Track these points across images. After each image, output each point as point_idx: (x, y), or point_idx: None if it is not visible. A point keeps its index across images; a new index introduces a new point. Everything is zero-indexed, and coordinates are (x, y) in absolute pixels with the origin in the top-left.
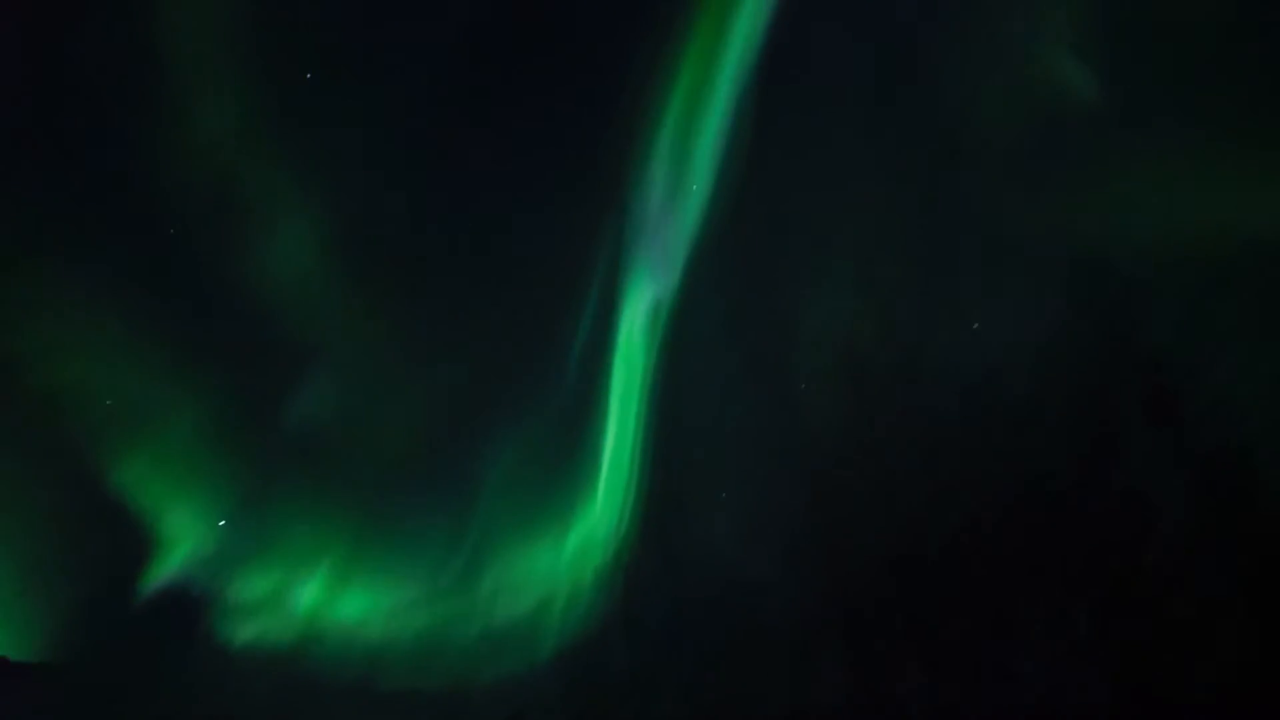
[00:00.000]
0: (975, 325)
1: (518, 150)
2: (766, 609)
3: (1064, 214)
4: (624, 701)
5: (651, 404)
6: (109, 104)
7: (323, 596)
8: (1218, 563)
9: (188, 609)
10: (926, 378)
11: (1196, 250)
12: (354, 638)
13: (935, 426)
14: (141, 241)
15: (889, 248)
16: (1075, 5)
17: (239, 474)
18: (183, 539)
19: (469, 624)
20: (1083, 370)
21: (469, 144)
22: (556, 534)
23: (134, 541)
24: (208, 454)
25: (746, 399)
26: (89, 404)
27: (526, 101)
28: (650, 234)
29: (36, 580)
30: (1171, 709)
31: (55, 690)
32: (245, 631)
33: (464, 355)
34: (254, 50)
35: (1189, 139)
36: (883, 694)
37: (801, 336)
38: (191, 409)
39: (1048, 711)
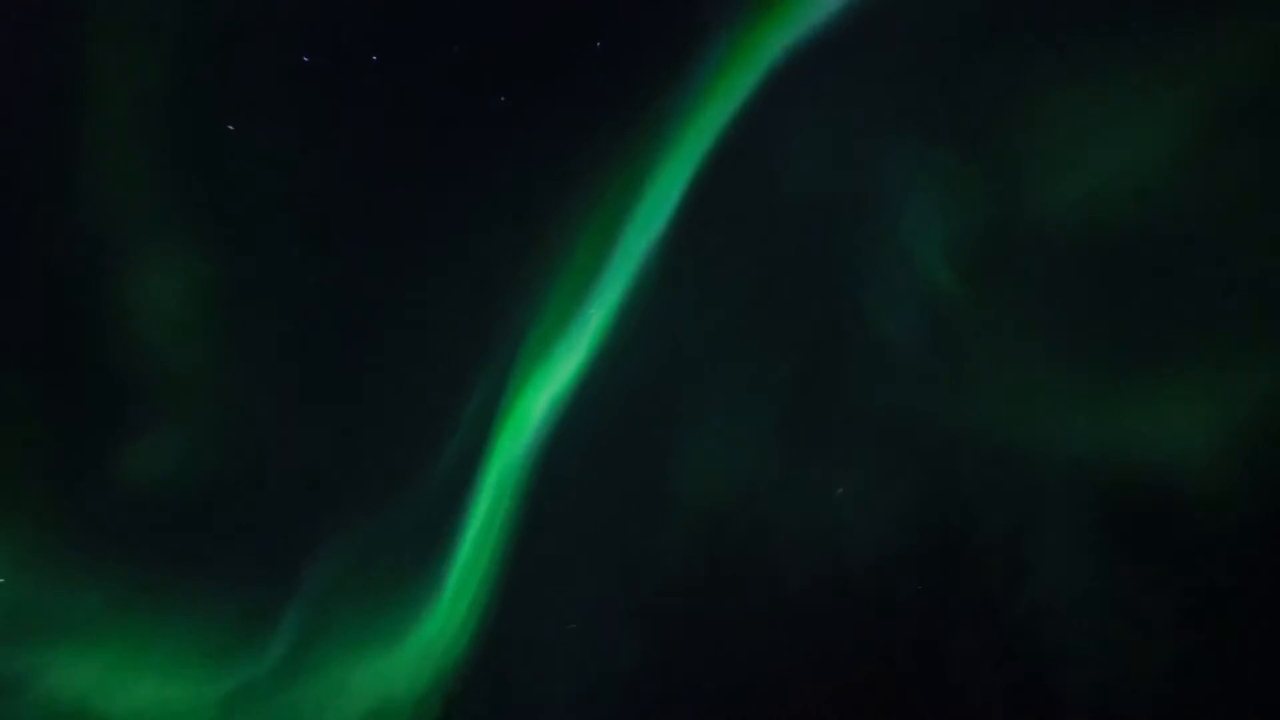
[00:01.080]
0: (837, 493)
1: (416, 265)
2: None
3: (925, 406)
4: None
5: (513, 531)
6: None
7: (95, 683)
8: None
9: None
10: (779, 549)
11: (1037, 460)
12: None
13: (779, 598)
14: None
15: (763, 417)
16: (953, 215)
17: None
18: None
19: None
20: (923, 561)
21: (368, 238)
22: (389, 643)
23: None
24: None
25: (603, 547)
26: None
27: (433, 221)
28: (541, 355)
29: None
30: None
31: None
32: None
33: (325, 441)
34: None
35: (1052, 354)
36: None
37: (665, 492)
38: None
39: None
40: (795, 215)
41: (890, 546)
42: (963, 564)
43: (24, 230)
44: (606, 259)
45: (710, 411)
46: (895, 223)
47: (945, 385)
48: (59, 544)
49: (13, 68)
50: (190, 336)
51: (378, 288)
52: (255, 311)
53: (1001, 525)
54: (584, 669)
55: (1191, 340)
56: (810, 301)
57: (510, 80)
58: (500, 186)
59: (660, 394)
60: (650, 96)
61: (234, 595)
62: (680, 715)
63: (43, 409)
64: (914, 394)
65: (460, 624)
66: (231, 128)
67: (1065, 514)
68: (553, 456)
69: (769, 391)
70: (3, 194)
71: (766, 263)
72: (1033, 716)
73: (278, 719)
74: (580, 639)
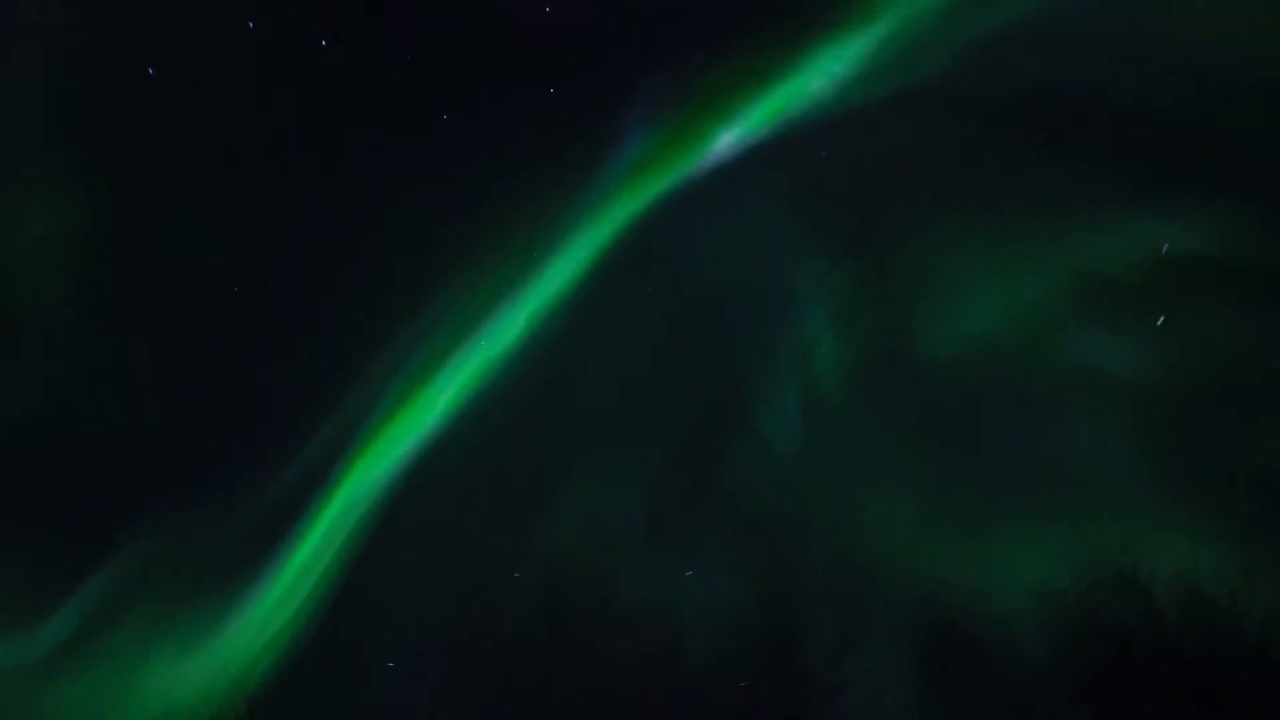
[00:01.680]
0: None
1: (305, 279)
2: None
3: (782, 508)
4: None
5: (351, 556)
6: None
7: None
8: None
9: None
10: (620, 616)
11: (874, 583)
12: None
13: (612, 661)
14: None
15: (627, 489)
16: (841, 334)
17: None
18: None
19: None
20: (751, 657)
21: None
22: (191, 644)
23: None
24: None
25: (442, 588)
26: None
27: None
28: (416, 389)
29: None
30: None
31: None
32: None
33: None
34: None
35: (907, 482)
36: None
37: (514, 544)
38: None
39: None
40: (693, 310)
41: (725, 637)
42: (788, 670)
43: None
44: (501, 307)
45: (579, 474)
46: (785, 331)
47: (805, 491)
48: None
49: None
50: (36, 285)
51: (259, 288)
52: (117, 273)
53: (829, 639)
54: (399, 704)
55: (1034, 498)
56: (693, 391)
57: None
58: (404, 207)
59: (531, 448)
60: (575, 164)
61: (14, 566)
62: None
63: None
64: (775, 495)
65: (274, 637)
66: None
67: (887, 640)
68: (409, 489)
69: (637, 466)
70: None
71: (658, 348)
72: None
73: (44, 715)
74: (400, 674)
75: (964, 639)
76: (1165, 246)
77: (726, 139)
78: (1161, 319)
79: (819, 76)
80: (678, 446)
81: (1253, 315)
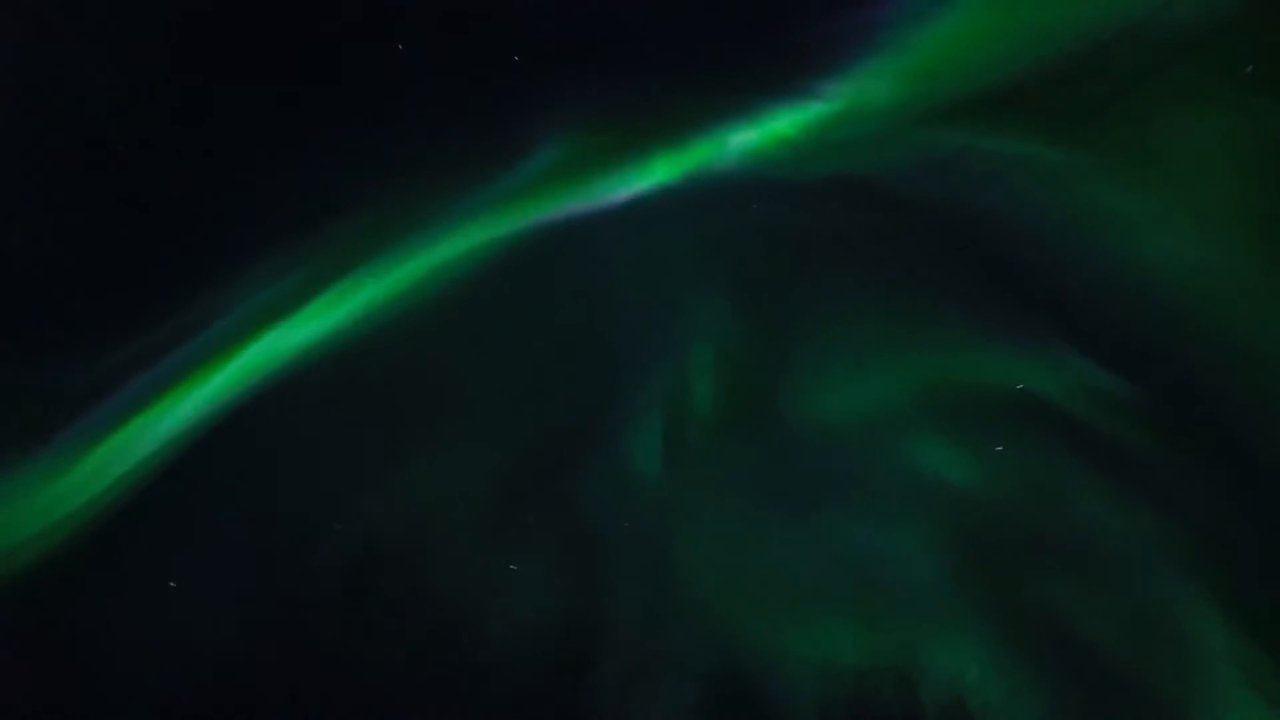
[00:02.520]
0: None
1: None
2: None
3: (614, 527)
4: None
5: (141, 495)
6: None
7: None
8: None
9: None
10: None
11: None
12: None
13: (409, 663)
14: None
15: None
16: (713, 383)
17: None
18: None
19: None
20: (548, 666)
21: None
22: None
23: None
24: None
25: (237, 551)
26: None
27: None
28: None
29: None
30: None
31: None
32: None
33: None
34: None
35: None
36: None
37: (322, 521)
38: None
39: None
40: (573, 324)
41: (521, 642)
42: (574, 689)
43: None
44: (376, 265)
45: (417, 456)
46: (663, 366)
47: (639, 520)
48: None
49: None
50: None
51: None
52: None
53: (621, 666)
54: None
55: (843, 580)
56: (555, 401)
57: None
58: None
59: (370, 417)
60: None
61: None
62: None
63: None
64: (610, 517)
65: (45, 529)
66: None
67: (674, 682)
68: (237, 422)
69: (480, 460)
70: None
71: (528, 353)
72: None
73: None
74: (184, 606)
75: (744, 697)
76: (1020, 385)
77: (658, 170)
78: (1000, 447)
79: (771, 136)
80: (527, 451)
81: (1077, 470)
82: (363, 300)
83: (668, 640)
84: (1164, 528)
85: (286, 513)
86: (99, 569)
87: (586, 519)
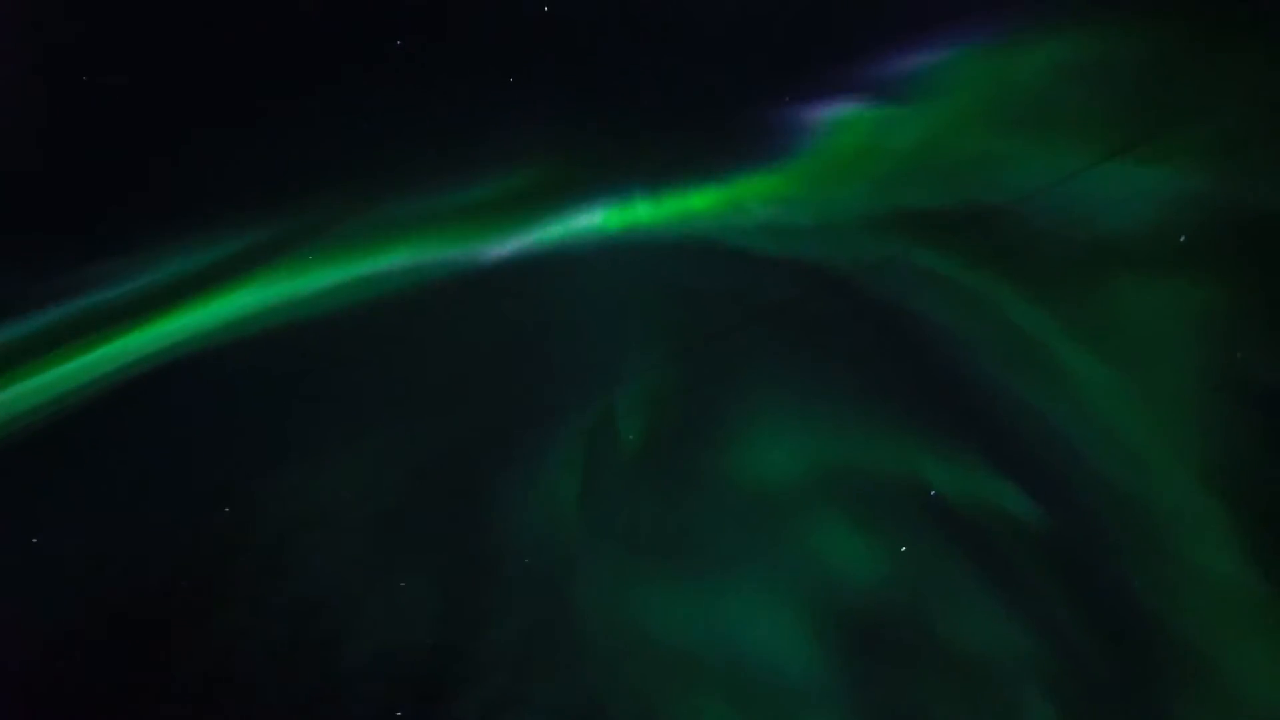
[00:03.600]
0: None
1: None
2: None
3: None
4: None
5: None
6: None
7: None
8: None
9: None
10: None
11: None
12: None
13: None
14: None
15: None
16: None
17: None
18: None
19: None
20: (408, 683)
21: None
22: None
23: None
24: None
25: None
26: None
27: None
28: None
29: None
30: None
31: None
32: None
33: None
34: None
35: None
36: None
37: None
38: None
39: None
40: (502, 347)
41: (391, 660)
42: (444, 704)
43: None
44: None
45: (309, 450)
46: (589, 404)
47: (530, 550)
48: None
49: None
50: None
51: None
52: None
53: (489, 692)
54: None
55: (713, 666)
56: (463, 420)
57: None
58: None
59: (271, 412)
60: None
61: None
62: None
63: None
64: (503, 542)
65: None
66: None
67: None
68: (131, 386)
69: (376, 469)
70: None
71: (443, 367)
72: None
73: None
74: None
75: None
76: (933, 492)
77: (603, 213)
78: (904, 548)
79: (732, 205)
80: (433, 467)
81: (972, 583)
82: (288, 291)
83: (537, 682)
84: (1039, 652)
85: (163, 490)
86: None
87: (482, 544)
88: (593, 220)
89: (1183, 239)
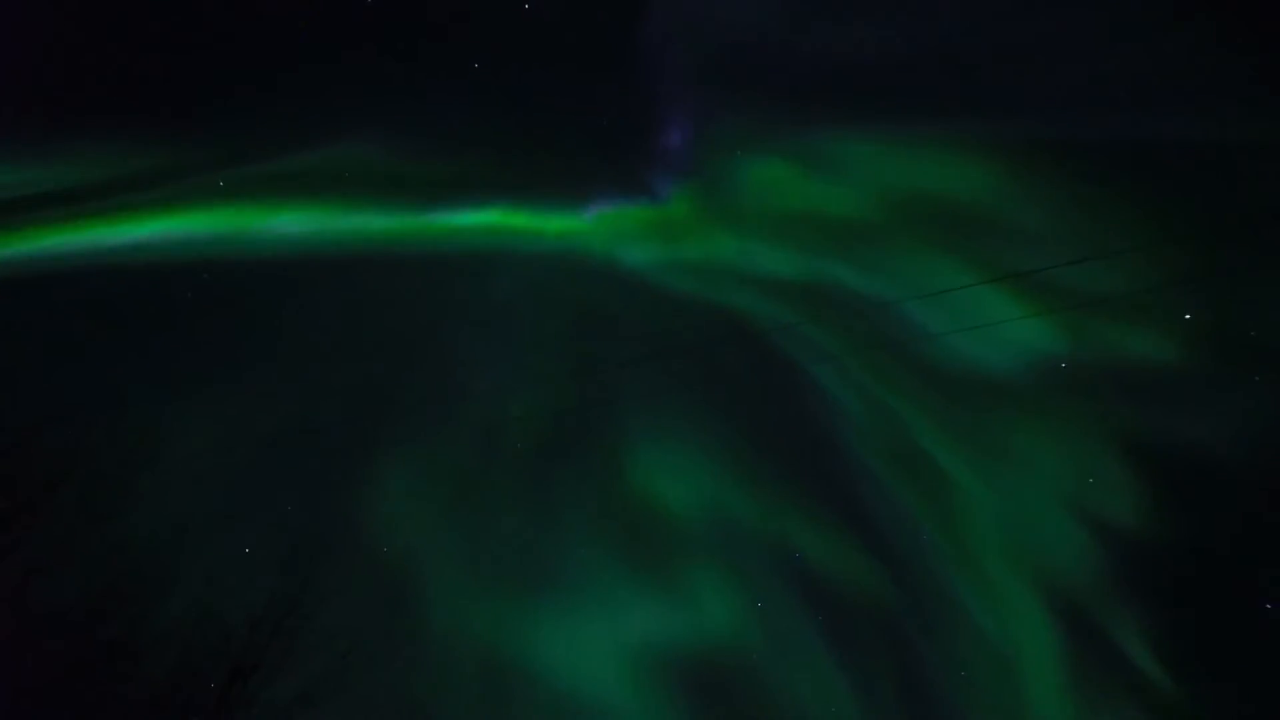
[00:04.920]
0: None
1: None
2: None
3: None
4: None
5: None
6: None
7: None
8: None
9: None
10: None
11: None
12: None
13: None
14: None
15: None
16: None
17: None
18: None
19: None
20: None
21: None
22: None
23: None
24: None
25: None
26: None
27: None
28: None
29: None
30: None
31: None
32: None
33: None
34: None
35: None
36: None
37: None
38: None
39: None
40: (398, 327)
41: (211, 631)
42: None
43: None
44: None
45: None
46: (460, 401)
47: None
48: None
49: None
50: None
51: None
52: None
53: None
54: None
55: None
56: (346, 395)
57: None
58: None
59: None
60: None
61: None
62: None
63: None
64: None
65: None
66: None
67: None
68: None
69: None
70: None
71: (343, 339)
72: None
73: None
74: None
75: None
76: (798, 554)
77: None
78: (760, 603)
79: (614, 229)
80: (283, 436)
81: (817, 640)
82: (189, 225)
83: (362, 672)
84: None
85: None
86: None
87: (332, 526)
88: (507, 221)
89: (1064, 365)
